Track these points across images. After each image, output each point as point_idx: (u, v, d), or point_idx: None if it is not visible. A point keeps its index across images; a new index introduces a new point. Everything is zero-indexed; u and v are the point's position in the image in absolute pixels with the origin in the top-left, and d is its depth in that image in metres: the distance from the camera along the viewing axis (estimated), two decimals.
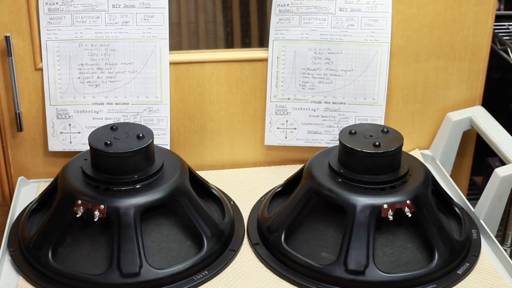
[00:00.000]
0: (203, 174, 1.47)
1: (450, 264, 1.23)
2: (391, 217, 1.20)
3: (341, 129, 1.32)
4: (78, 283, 1.18)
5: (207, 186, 1.39)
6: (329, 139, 1.53)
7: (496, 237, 1.33)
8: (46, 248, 1.21)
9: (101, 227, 1.22)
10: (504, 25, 1.66)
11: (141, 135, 1.26)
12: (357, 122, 1.51)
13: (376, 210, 1.20)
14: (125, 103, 1.46)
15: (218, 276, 1.23)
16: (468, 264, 1.25)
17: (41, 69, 1.43)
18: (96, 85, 1.44)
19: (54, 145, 1.47)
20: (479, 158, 1.75)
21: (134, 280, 1.17)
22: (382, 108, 1.50)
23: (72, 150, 1.47)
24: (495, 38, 1.61)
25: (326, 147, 1.45)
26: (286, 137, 1.53)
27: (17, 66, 1.41)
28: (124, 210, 1.19)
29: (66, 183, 1.25)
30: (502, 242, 1.45)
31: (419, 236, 1.24)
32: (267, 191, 1.46)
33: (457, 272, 1.23)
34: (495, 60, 1.61)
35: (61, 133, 1.46)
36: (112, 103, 1.46)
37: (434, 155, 1.57)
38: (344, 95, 1.49)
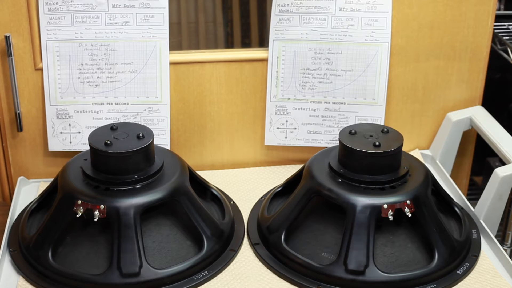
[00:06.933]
0: (203, 174, 1.47)
1: (450, 264, 1.23)
2: (391, 217, 1.20)
3: (341, 129, 1.32)
4: (78, 283, 1.18)
5: (207, 186, 1.39)
6: (329, 139, 1.53)
7: (496, 237, 1.33)
8: (46, 248, 1.21)
9: (101, 227, 1.22)
10: (504, 25, 1.66)
11: (141, 135, 1.26)
12: (357, 122, 1.51)
13: (376, 210, 1.20)
14: (125, 103, 1.46)
15: (218, 276, 1.23)
16: (468, 264, 1.25)
17: (41, 69, 1.43)
18: (96, 85, 1.44)
19: (54, 145, 1.47)
20: (479, 158, 1.75)
21: (134, 280, 1.17)
22: (382, 108, 1.50)
23: (72, 150, 1.47)
24: (495, 38, 1.61)
25: (326, 147, 1.44)
26: (286, 137, 1.53)
27: (17, 66, 1.41)
28: (124, 210, 1.19)
29: (66, 183, 1.25)
30: (502, 242, 1.44)
31: (419, 236, 1.24)
32: (267, 191, 1.46)
33: (457, 272, 1.23)
34: (495, 60, 1.61)
35: (61, 133, 1.46)
36: (112, 103, 1.46)
37: (434, 155, 1.57)
38: (344, 95, 1.49)
